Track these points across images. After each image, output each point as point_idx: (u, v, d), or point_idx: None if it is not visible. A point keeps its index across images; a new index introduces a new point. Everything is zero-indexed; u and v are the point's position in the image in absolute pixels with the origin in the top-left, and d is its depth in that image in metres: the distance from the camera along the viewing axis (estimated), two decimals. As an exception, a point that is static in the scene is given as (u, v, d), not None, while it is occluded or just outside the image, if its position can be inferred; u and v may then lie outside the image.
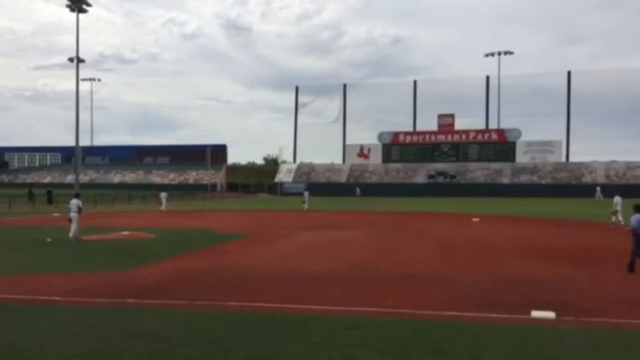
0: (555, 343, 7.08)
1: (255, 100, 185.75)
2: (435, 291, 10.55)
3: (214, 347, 6.81)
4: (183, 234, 21.99)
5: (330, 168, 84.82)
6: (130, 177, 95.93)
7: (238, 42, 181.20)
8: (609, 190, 59.84)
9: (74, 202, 19.37)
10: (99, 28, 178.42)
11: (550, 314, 8.54)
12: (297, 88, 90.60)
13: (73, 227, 18.79)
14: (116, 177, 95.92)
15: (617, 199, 25.54)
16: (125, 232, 20.84)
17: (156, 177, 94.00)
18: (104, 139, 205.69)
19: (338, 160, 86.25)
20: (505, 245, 18.08)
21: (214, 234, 21.87)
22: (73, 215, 18.97)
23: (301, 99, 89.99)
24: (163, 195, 41.06)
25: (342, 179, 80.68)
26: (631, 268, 12.43)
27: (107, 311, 8.87)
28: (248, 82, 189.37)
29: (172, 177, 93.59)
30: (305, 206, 39.57)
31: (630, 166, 71.07)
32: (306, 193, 42.15)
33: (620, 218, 24.77)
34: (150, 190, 73.36)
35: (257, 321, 8.14)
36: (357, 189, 72.04)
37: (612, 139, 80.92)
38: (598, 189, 61.14)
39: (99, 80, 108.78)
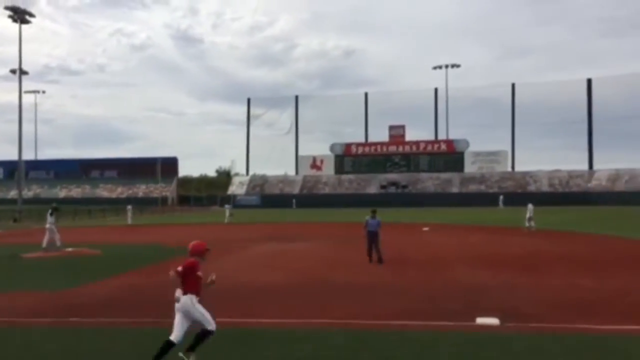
0: (498, 349, 7.27)
1: (206, 112, 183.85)
2: (384, 300, 10.67)
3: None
4: (130, 249, 21.45)
5: (284, 179, 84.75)
6: (76, 191, 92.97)
7: (189, 53, 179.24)
8: (546, 198, 62.37)
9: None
10: (44, 39, 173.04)
11: (494, 320, 8.77)
12: (249, 100, 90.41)
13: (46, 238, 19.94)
14: (62, 192, 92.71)
15: (530, 207, 27.64)
16: (69, 249, 20.13)
17: (103, 191, 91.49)
18: (49, 153, 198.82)
19: (291, 171, 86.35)
20: (453, 253, 18.46)
21: (163, 248, 21.43)
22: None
23: (253, 111, 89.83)
24: (129, 208, 42.05)
25: (295, 190, 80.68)
26: (376, 259, 16.11)
27: (45, 330, 8.56)
28: (199, 93, 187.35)
29: (120, 191, 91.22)
30: (227, 220, 39.76)
31: (572, 175, 73.98)
32: (227, 207, 43.40)
33: (533, 224, 27.25)
34: (99, 204, 71.42)
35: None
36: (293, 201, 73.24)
37: (555, 148, 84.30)
38: (501, 197, 63.51)
39: (44, 92, 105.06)
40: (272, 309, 9.99)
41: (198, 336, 6.62)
